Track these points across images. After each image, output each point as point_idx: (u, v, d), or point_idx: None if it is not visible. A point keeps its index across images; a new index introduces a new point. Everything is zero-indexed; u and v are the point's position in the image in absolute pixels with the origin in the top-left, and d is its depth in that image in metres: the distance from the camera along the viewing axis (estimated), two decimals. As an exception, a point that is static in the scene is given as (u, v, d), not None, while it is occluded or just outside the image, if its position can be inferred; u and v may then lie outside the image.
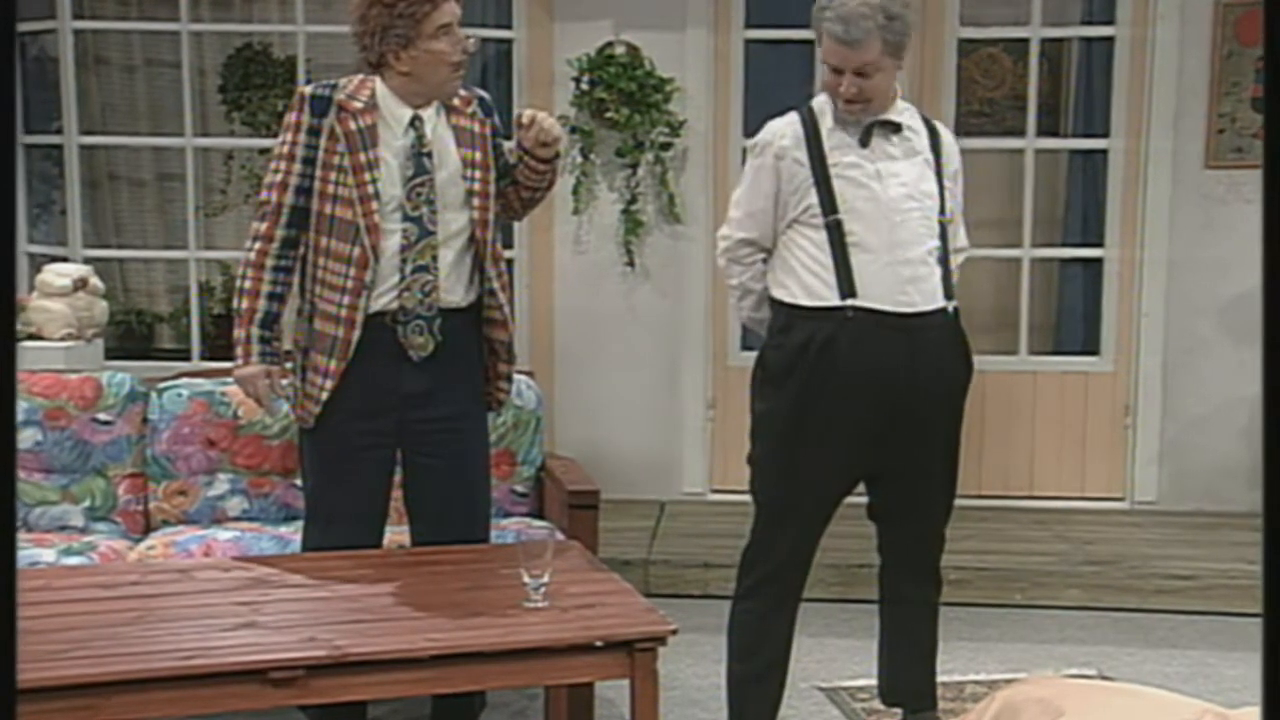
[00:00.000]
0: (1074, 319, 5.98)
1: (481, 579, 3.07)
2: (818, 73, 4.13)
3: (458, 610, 2.85)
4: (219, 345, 5.65)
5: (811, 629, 4.33)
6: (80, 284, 4.44)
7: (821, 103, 3.24)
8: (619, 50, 5.54)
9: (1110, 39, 5.65)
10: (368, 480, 3.34)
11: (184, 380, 4.13)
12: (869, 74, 3.11)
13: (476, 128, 3.35)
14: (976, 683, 4.05)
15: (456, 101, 3.32)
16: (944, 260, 3.24)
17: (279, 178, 3.27)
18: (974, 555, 4.91)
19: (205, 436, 3.99)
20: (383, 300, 3.24)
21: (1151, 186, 5.58)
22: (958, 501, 3.46)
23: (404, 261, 3.23)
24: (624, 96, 5.49)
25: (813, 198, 3.17)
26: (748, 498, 3.38)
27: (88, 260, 5.33)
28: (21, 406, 3.92)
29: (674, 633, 2.80)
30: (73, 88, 5.64)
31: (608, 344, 5.71)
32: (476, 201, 3.31)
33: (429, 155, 3.25)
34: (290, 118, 3.28)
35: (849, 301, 3.14)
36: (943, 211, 3.25)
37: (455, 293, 3.30)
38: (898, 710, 3.56)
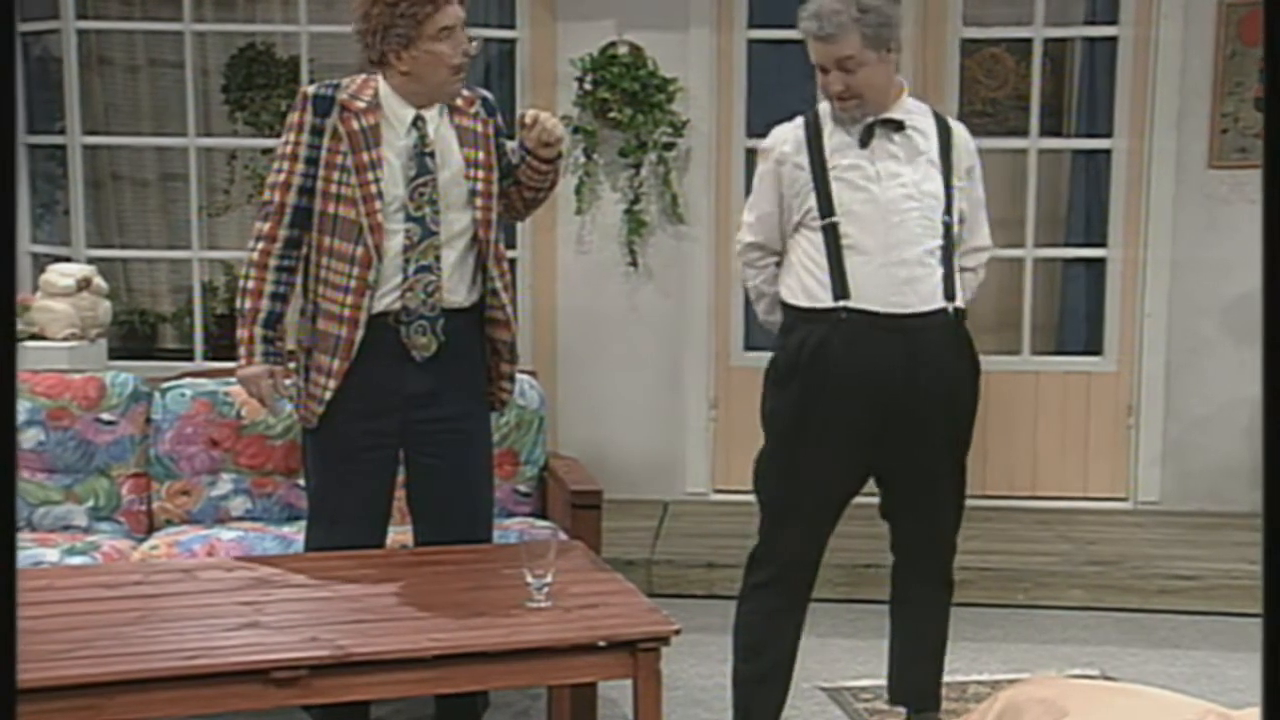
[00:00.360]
0: (1077, 319, 5.97)
1: (484, 579, 3.07)
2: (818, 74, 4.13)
3: (461, 610, 2.85)
4: (222, 345, 5.65)
5: (816, 629, 4.33)
6: (84, 284, 4.44)
7: (827, 106, 3.25)
8: (622, 50, 5.54)
9: (1113, 39, 5.64)
10: (371, 480, 3.34)
11: (187, 380, 4.13)
12: (852, 69, 3.11)
13: (480, 127, 3.35)
14: (979, 683, 4.05)
15: (460, 101, 3.33)
16: (947, 260, 3.23)
17: (282, 177, 3.28)
18: (977, 555, 4.91)
19: (208, 436, 4.00)
20: (386, 300, 3.24)
21: (1155, 186, 5.58)
22: (961, 501, 3.45)
23: (407, 262, 3.23)
24: (627, 96, 5.49)
25: (812, 201, 3.19)
26: (751, 497, 3.38)
27: (91, 260, 5.33)
28: (25, 406, 3.92)
29: (677, 633, 2.80)
30: (76, 88, 5.65)
31: (611, 344, 5.71)
32: (479, 201, 3.31)
33: (431, 155, 3.25)
34: (293, 117, 3.28)
35: (842, 303, 3.16)
36: (948, 212, 3.23)
37: (458, 293, 3.30)
38: (901, 709, 3.56)
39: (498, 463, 3.77)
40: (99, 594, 2.99)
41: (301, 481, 3.79)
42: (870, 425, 3.19)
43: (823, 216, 3.17)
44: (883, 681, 3.62)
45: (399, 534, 3.54)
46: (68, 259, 5.37)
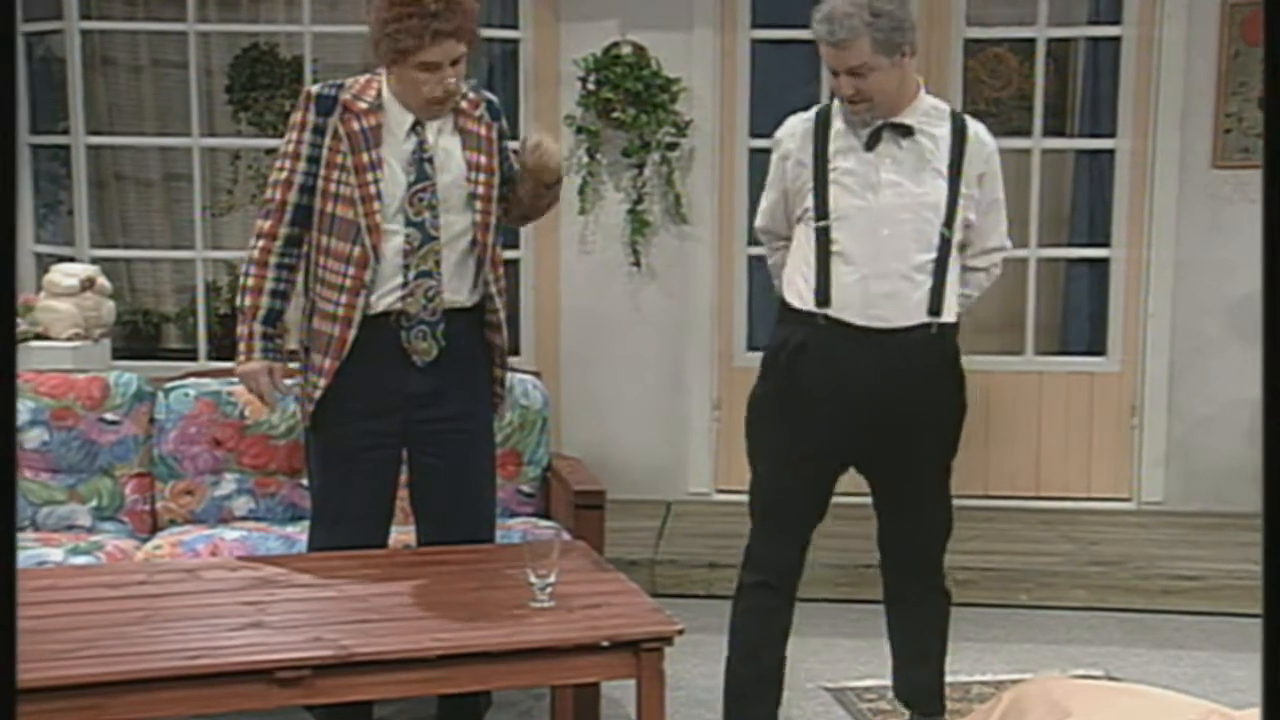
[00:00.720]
0: (1080, 319, 5.97)
1: (487, 579, 3.07)
2: (824, 73, 4.13)
3: (463, 610, 2.85)
4: (225, 345, 5.65)
5: (819, 629, 4.34)
6: (87, 284, 4.44)
7: (839, 102, 3.24)
8: (625, 50, 5.54)
9: (1117, 39, 5.64)
10: (373, 480, 3.34)
11: (191, 380, 4.14)
12: (863, 74, 3.10)
13: (483, 131, 3.34)
14: (983, 683, 4.04)
15: (464, 104, 3.32)
16: (939, 274, 3.19)
17: (284, 176, 3.28)
18: (980, 555, 4.91)
19: (212, 436, 4.00)
20: (385, 301, 3.24)
21: (1158, 186, 5.57)
22: (964, 501, 3.47)
23: (407, 266, 3.22)
24: (630, 96, 5.49)
25: (809, 201, 3.20)
26: (752, 498, 3.40)
27: (95, 260, 5.34)
28: (29, 406, 3.93)
29: (680, 633, 2.80)
30: (79, 88, 5.65)
31: (614, 344, 5.71)
32: (479, 205, 3.30)
33: (430, 161, 3.25)
34: (296, 117, 3.29)
35: (823, 310, 3.18)
36: (948, 224, 3.19)
37: (460, 293, 3.30)
38: (905, 709, 3.56)
39: (501, 463, 3.77)
40: (102, 594, 2.99)
41: (305, 481, 3.78)
42: (838, 431, 3.22)
43: (818, 218, 3.18)
44: (886, 681, 3.62)
45: (402, 534, 3.54)
46: (71, 259, 5.37)
